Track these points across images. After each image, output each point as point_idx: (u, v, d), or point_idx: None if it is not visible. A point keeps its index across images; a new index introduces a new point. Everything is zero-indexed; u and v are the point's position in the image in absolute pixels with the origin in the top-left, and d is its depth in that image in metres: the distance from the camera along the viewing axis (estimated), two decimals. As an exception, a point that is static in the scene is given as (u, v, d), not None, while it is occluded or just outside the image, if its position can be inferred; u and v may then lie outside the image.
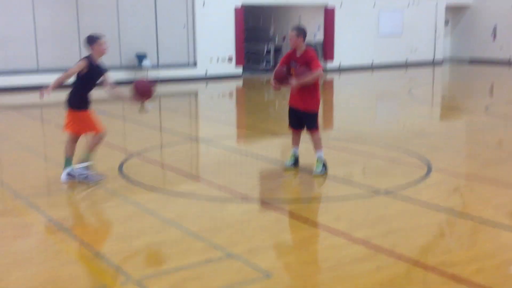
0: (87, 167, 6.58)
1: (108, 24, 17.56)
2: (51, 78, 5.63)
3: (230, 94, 16.94)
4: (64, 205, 5.86)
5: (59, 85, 6.31)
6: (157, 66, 18.21)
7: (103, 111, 12.24)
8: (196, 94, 16.56)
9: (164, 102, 14.78)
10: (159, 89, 16.68)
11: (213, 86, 17.77)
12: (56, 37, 16.92)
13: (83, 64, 6.42)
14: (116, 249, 4.64)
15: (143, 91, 6.59)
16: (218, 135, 9.59)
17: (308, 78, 6.60)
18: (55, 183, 6.63)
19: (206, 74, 19.21)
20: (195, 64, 19.09)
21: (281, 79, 6.81)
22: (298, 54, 6.78)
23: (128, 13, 17.84)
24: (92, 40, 6.55)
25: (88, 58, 6.50)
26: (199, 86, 17.74)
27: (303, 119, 6.92)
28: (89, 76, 6.50)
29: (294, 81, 6.66)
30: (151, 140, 9.32)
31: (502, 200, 5.89)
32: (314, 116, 6.91)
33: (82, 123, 6.55)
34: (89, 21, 17.26)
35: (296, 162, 7.14)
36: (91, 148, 6.62)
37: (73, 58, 17.05)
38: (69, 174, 6.57)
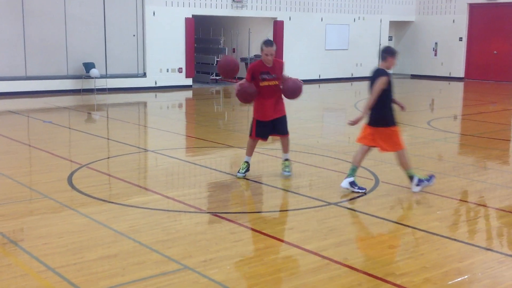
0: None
1: (55, 32, 17.19)
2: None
3: (180, 105, 16.90)
4: (12, 217, 5.71)
5: (370, 109, 6.40)
6: (105, 75, 17.96)
7: (49, 121, 12.01)
8: (145, 105, 16.44)
9: (112, 112, 14.60)
10: (107, 98, 16.52)
11: (162, 97, 17.68)
12: (1, 46, 16.44)
13: (386, 80, 6.31)
14: (68, 262, 4.57)
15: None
16: (168, 146, 9.56)
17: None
18: (2, 195, 6.46)
19: (155, 84, 19.09)
20: (144, 74, 18.95)
21: (250, 97, 7.05)
22: (269, 65, 7.06)
23: (76, 21, 17.53)
24: (392, 53, 6.50)
25: (386, 72, 6.40)
26: (149, 97, 17.61)
27: (278, 126, 7.23)
28: (389, 90, 6.44)
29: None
30: (100, 151, 9.19)
31: (446, 212, 6.14)
32: (286, 118, 7.38)
33: (392, 139, 6.53)
34: (36, 29, 16.86)
35: (247, 170, 7.31)
36: (406, 164, 6.62)
37: (19, 66, 16.74)
38: (350, 184, 6.59)
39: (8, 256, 4.71)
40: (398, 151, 6.66)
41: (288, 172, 7.37)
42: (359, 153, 6.72)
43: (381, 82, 6.39)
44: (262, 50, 6.99)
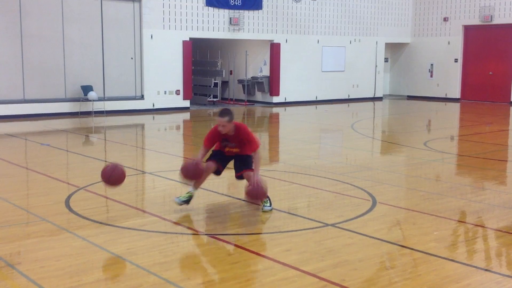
0: None
1: (53, 55, 17.30)
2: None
3: (177, 127, 16.95)
4: (10, 240, 5.70)
5: None
6: (103, 98, 18.04)
7: (47, 143, 12.03)
8: (143, 127, 16.48)
9: (110, 134, 14.63)
10: (105, 121, 16.57)
11: (160, 119, 17.74)
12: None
13: None
14: (65, 285, 4.56)
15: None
16: (165, 168, 9.57)
17: (258, 163, 6.61)
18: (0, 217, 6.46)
19: (153, 106, 19.17)
20: (142, 96, 19.04)
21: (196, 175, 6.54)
22: (231, 133, 6.61)
23: (74, 44, 17.66)
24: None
25: None
26: (146, 119, 17.67)
27: (237, 164, 6.89)
28: None
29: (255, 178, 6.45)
30: (97, 173, 9.13)
31: (443, 232, 6.15)
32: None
33: None
34: (34, 52, 16.97)
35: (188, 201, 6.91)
36: None
37: (17, 89, 16.82)
38: None
39: (5, 279, 4.70)
40: None
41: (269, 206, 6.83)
42: None
43: None
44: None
